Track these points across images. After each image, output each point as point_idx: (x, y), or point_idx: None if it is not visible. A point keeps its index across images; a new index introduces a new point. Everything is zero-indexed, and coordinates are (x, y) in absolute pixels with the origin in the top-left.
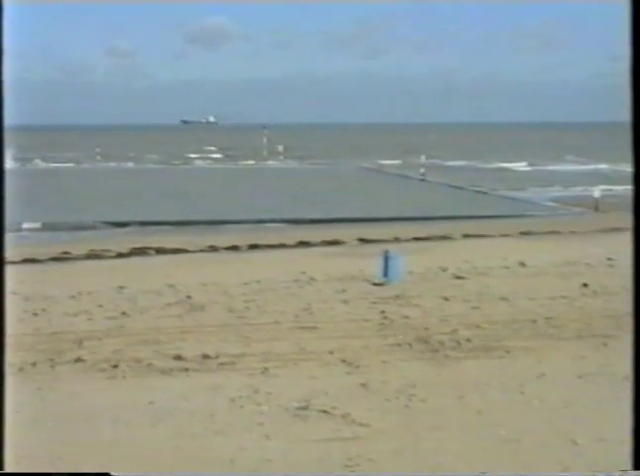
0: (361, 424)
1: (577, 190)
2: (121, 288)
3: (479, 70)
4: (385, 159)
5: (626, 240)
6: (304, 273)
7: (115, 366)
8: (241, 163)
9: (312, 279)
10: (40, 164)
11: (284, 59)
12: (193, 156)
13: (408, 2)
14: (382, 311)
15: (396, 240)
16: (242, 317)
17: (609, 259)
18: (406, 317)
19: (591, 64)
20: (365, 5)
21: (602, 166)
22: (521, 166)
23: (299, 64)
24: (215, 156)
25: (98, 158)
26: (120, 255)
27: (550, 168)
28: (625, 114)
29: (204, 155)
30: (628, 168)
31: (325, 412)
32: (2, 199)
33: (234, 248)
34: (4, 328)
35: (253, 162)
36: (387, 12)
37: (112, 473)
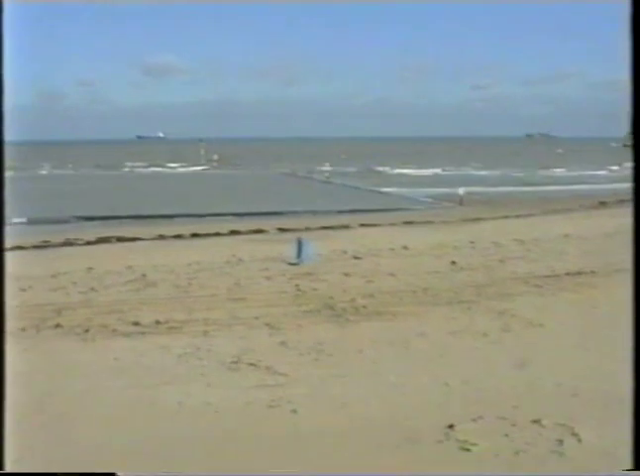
0: (281, 374)
1: (452, 190)
2: (90, 269)
3: (373, 95)
4: (300, 165)
5: (483, 228)
6: (234, 256)
7: (87, 331)
8: (182, 169)
9: (241, 260)
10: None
11: (218, 87)
12: (146, 163)
13: (318, 40)
14: (297, 285)
15: (307, 229)
16: (186, 291)
17: (471, 242)
18: (316, 290)
19: (458, 92)
20: (282, 43)
21: (499, 171)
22: (414, 171)
23: (230, 91)
24: (161, 163)
25: (69, 166)
26: (89, 243)
27: (448, 172)
28: (488, 130)
29: (155, 162)
30: (515, 172)
31: (253, 365)
32: (2, 198)
33: (179, 236)
34: (4, 331)
35: (193, 168)
36: (300, 48)
37: (118, 473)
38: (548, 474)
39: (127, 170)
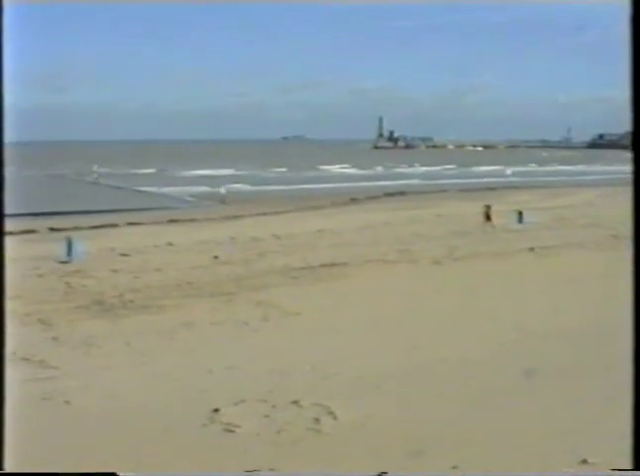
0: (53, 367)
1: (214, 189)
2: None
3: (140, 101)
4: (69, 168)
5: (243, 224)
6: (7, 256)
7: None
8: None
9: (13, 259)
10: None
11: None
12: None
13: (84, 49)
14: (67, 282)
15: (77, 228)
16: None
17: (232, 238)
18: (85, 286)
19: (219, 98)
20: (52, 50)
21: (257, 171)
22: (179, 172)
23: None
24: None
25: None
26: None
27: (212, 172)
28: (247, 134)
29: None
30: (272, 172)
31: (26, 359)
32: (2, 198)
33: None
34: (4, 341)
35: None
36: (70, 56)
37: (119, 473)
38: (548, 474)
39: None
